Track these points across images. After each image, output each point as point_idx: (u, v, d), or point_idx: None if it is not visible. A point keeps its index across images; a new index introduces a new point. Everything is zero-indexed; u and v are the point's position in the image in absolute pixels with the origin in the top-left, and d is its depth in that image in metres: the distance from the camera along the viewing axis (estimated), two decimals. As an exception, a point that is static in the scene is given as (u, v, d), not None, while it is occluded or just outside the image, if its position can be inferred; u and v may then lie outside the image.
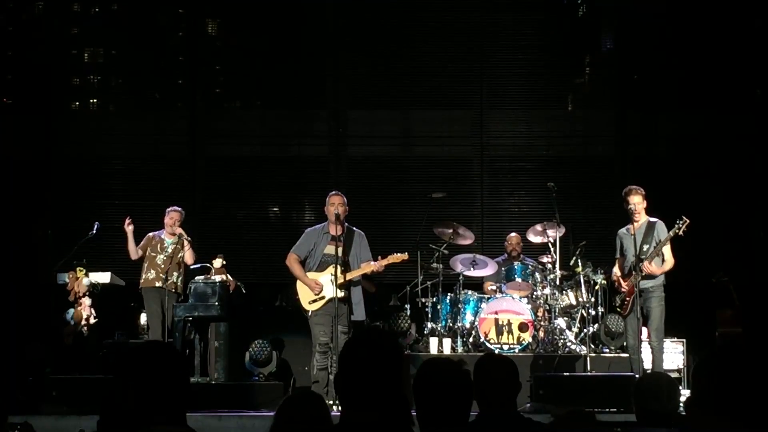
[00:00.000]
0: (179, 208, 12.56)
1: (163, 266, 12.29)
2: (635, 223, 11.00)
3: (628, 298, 11.05)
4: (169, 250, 12.36)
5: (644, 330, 11.14)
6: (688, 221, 10.66)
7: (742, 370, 3.13)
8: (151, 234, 12.58)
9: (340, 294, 10.71)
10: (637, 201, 11.02)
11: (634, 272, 10.90)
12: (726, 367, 3.16)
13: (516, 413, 5.08)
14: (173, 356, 3.61)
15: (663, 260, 10.95)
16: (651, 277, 10.91)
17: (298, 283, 11.04)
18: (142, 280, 12.40)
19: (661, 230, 10.99)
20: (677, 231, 10.73)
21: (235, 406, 10.95)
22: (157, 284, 12.22)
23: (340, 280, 10.68)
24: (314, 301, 10.88)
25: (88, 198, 15.62)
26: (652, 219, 11.10)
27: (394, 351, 3.51)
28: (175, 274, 12.38)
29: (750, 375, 3.11)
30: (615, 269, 11.37)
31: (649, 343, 11.06)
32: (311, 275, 10.92)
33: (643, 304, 10.94)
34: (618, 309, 11.41)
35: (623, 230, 11.25)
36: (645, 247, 10.95)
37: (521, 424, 4.98)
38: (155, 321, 12.16)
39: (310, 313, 10.93)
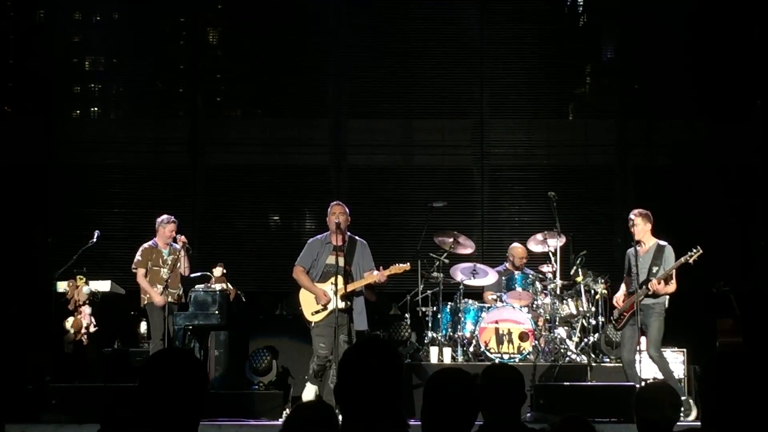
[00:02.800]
0: (174, 218, 12.41)
1: (170, 280, 12.10)
2: (642, 246, 11.16)
3: (625, 314, 11.18)
4: (170, 262, 12.20)
5: (643, 341, 11.21)
6: (701, 252, 10.74)
7: (746, 379, 3.10)
8: (147, 246, 12.26)
9: (342, 304, 10.70)
10: (637, 223, 11.10)
11: (638, 290, 10.99)
12: (729, 378, 3.13)
13: (520, 423, 5.08)
14: (195, 365, 3.61)
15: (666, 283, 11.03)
16: (654, 295, 10.98)
17: (301, 293, 11.04)
18: (147, 297, 12.20)
19: (669, 255, 11.09)
20: (688, 259, 10.83)
21: (234, 414, 10.93)
22: (170, 299, 12.05)
23: (342, 291, 10.68)
24: (317, 312, 10.87)
25: (89, 206, 15.60)
26: (662, 242, 11.23)
27: (393, 360, 3.50)
28: (180, 285, 12.26)
29: (754, 383, 3.08)
30: (622, 289, 11.49)
31: (649, 356, 11.10)
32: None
33: (642, 320, 11.06)
34: (613, 321, 11.53)
35: (631, 250, 11.26)
36: (654, 269, 11.05)
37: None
38: (158, 334, 12.02)
39: (312, 324, 10.93)
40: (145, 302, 12.12)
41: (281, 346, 13.74)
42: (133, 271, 12.17)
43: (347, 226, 11.03)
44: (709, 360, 3.34)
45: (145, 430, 3.44)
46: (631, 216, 11.23)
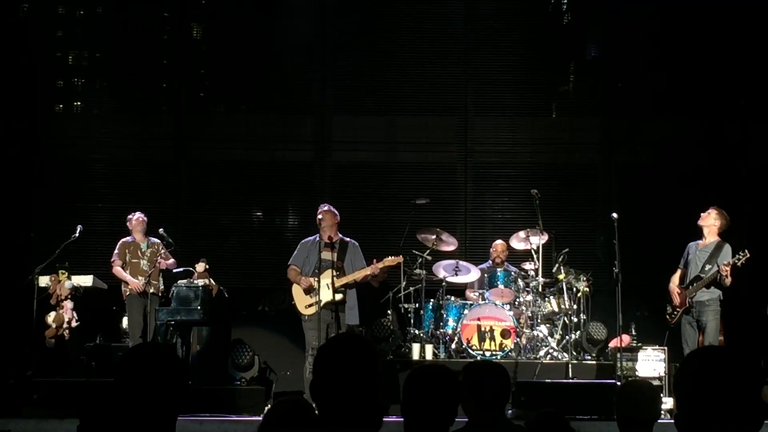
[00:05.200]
0: (137, 213, 12.74)
1: (151, 273, 12.27)
2: (704, 239, 11.57)
3: (678, 309, 11.52)
4: (149, 254, 12.43)
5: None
6: (748, 255, 11.05)
7: (721, 374, 3.11)
8: (123, 240, 12.61)
9: (337, 297, 10.94)
10: (711, 213, 11.58)
11: (691, 286, 11.36)
12: (704, 374, 3.13)
13: (506, 420, 5.09)
14: (173, 360, 3.61)
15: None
16: (708, 291, 11.32)
17: (294, 287, 11.24)
18: (129, 289, 12.38)
19: (726, 252, 11.38)
20: (736, 262, 11.09)
21: (216, 410, 10.89)
22: (151, 290, 12.23)
23: (336, 284, 10.91)
24: (311, 305, 11.03)
25: (72, 201, 15.56)
26: (722, 241, 11.52)
27: (367, 355, 3.46)
28: (160, 278, 12.39)
29: (729, 379, 3.09)
30: (674, 277, 11.72)
31: None
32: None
33: (698, 317, 11.39)
34: (667, 317, 11.76)
35: (693, 243, 11.71)
36: (707, 267, 11.36)
37: (511, 431, 4.98)
38: (137, 330, 12.14)
39: (306, 317, 11.10)
40: (127, 294, 12.30)
41: (263, 342, 13.74)
42: (112, 264, 12.39)
43: (337, 226, 11.33)
44: (686, 356, 3.35)
45: (122, 425, 3.43)
46: (710, 209, 11.59)
